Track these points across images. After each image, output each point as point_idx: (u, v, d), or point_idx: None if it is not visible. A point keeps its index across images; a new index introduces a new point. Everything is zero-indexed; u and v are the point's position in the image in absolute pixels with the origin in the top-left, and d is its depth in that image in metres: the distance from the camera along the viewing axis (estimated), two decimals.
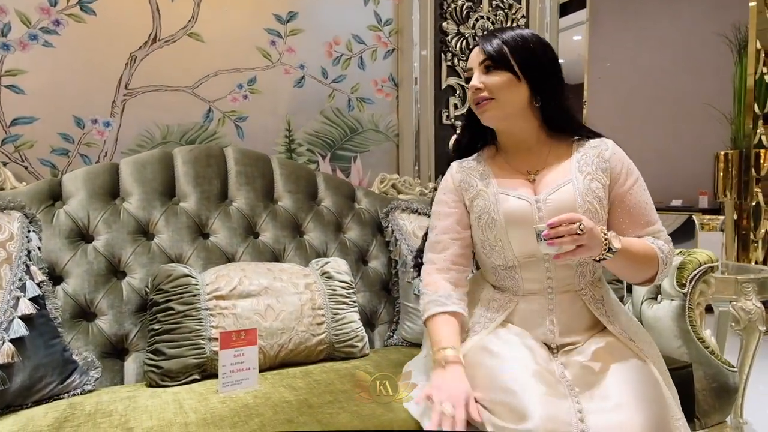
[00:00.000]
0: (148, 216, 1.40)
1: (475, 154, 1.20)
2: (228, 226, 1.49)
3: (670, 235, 1.15)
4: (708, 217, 2.00)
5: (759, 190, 3.34)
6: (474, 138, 1.21)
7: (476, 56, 1.09)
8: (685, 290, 1.41)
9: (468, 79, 1.11)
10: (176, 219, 1.43)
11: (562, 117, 1.12)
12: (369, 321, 1.62)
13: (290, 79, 1.84)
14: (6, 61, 1.46)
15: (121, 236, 1.35)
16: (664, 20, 4.81)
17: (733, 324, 1.71)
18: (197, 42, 1.69)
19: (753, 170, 3.35)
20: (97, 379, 1.18)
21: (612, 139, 1.15)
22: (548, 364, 1.01)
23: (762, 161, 3.40)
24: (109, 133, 1.59)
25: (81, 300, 1.27)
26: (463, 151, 1.22)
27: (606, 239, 0.95)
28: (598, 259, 0.96)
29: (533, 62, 1.07)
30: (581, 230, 0.89)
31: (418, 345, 1.52)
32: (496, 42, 1.06)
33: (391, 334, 1.61)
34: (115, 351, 1.29)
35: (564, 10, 6.19)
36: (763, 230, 3.37)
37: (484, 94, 1.07)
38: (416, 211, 1.68)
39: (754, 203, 3.33)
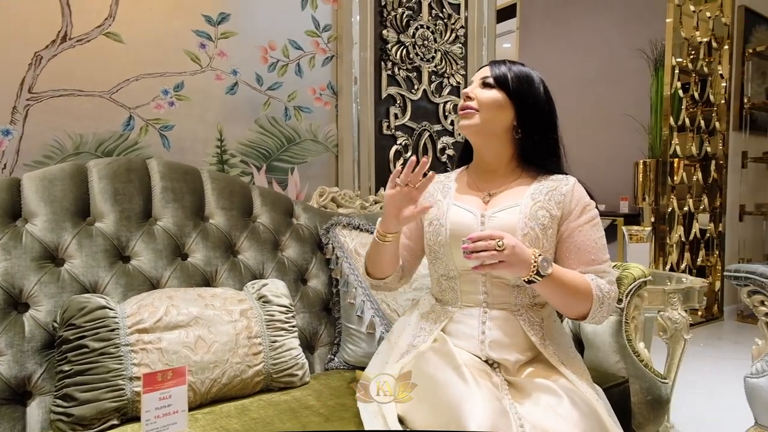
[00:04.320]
0: (57, 239, 1.24)
1: (451, 172, 1.26)
2: (152, 248, 1.35)
3: None
4: (635, 228, 2.09)
5: (674, 196, 3.57)
6: (466, 152, 1.25)
7: (481, 72, 1.16)
8: (622, 305, 1.44)
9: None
10: (91, 242, 1.27)
11: (537, 156, 1.15)
12: (309, 344, 1.54)
13: (222, 86, 1.72)
14: None
15: (23, 263, 1.18)
16: (588, 33, 5.05)
17: (661, 333, 1.79)
18: (115, 42, 1.53)
19: (669, 178, 3.58)
20: None
21: None
22: (490, 378, 1.02)
23: (676, 169, 3.64)
24: (8, 142, 1.40)
25: None
26: (459, 162, 1.30)
27: (535, 262, 0.97)
28: (526, 280, 0.99)
29: (528, 95, 1.13)
30: (499, 247, 0.94)
31: (361, 368, 1.46)
32: (503, 67, 1.14)
33: (333, 356, 1.54)
34: (15, 396, 1.12)
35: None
36: (677, 235, 3.61)
37: (472, 104, 1.12)
38: (358, 227, 1.62)
39: (669, 209, 3.56)
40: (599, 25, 4.95)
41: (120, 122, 1.55)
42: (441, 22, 2.21)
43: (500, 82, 1.12)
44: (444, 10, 2.22)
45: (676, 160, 3.58)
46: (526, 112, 1.13)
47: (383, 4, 2.04)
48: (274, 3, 1.81)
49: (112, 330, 1.12)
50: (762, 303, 1.53)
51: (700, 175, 3.73)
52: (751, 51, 3.88)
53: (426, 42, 2.17)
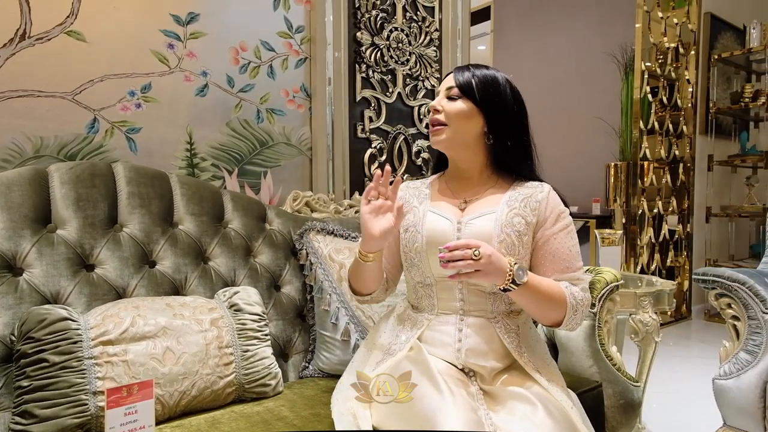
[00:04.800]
0: (14, 248, 1.18)
1: (427, 178, 1.25)
2: (118, 256, 1.30)
3: None
4: (608, 231, 2.12)
5: (644, 198, 3.65)
6: (442, 158, 1.24)
7: (446, 82, 1.14)
8: (595, 310, 1.46)
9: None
10: (52, 250, 1.22)
11: (511, 160, 1.14)
12: (282, 351, 1.51)
13: (191, 87, 1.67)
14: None
15: None
16: (561, 36, 5.13)
17: (632, 335, 1.82)
18: (78, 42, 1.47)
19: (639, 180, 3.66)
20: None
21: None
22: (466, 388, 1.01)
23: (646, 172, 3.72)
24: None
25: None
26: (434, 169, 1.28)
27: (511, 271, 0.98)
28: (502, 288, 0.99)
29: (496, 100, 1.11)
30: (476, 256, 0.94)
31: (335, 376, 1.44)
32: (467, 74, 1.12)
33: (307, 364, 1.52)
34: None
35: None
36: (647, 236, 3.69)
37: (440, 117, 1.12)
38: (332, 233, 1.60)
39: (640, 211, 3.64)
40: (572, 30, 5.03)
41: (84, 124, 1.49)
42: (415, 24, 2.20)
43: (466, 91, 1.10)
44: (418, 12, 2.21)
45: (645, 162, 3.66)
46: (496, 117, 1.11)
47: (357, 6, 2.02)
48: (245, 3, 1.77)
49: (75, 342, 1.07)
50: (729, 306, 1.56)
51: (668, 177, 3.82)
52: (716, 57, 3.99)
53: (400, 45, 2.15)
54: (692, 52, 3.89)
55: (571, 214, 1.15)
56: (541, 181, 1.16)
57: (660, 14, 3.66)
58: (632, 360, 1.90)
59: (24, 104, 1.40)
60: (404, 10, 2.16)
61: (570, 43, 5.01)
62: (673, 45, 3.80)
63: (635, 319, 1.78)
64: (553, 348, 1.56)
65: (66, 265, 1.23)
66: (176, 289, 1.38)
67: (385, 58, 2.11)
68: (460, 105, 1.11)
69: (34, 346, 1.05)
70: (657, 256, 3.76)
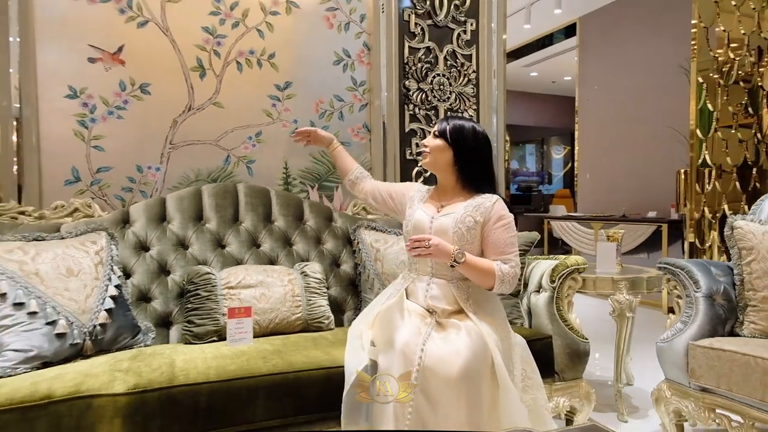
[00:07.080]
0: (184, 234, 2.08)
1: (431, 186, 1.90)
2: (238, 240, 2.15)
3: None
4: (612, 230, 2.55)
5: (705, 203, 3.80)
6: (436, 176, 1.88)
7: (434, 128, 1.79)
8: (554, 285, 1.99)
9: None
10: (203, 236, 2.10)
11: (471, 181, 1.75)
12: (340, 308, 2.25)
13: (287, 131, 2.51)
14: (93, 129, 2.18)
15: (167, 248, 2.03)
16: (637, 49, 5.29)
17: (610, 312, 2.26)
18: (219, 108, 2.37)
19: (707, 186, 3.82)
20: (153, 338, 1.86)
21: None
22: (423, 318, 1.63)
23: (715, 178, 3.86)
24: (159, 175, 2.29)
25: (142, 289, 1.96)
26: (432, 181, 1.89)
27: (453, 254, 1.58)
28: (450, 264, 1.60)
29: (461, 141, 1.74)
30: (427, 246, 1.56)
31: None
32: (445, 123, 1.76)
33: (355, 318, 2.24)
34: (164, 323, 1.96)
35: (567, 33, 6.73)
36: (710, 240, 3.83)
37: (426, 150, 1.79)
38: (375, 229, 2.31)
39: (709, 215, 3.80)
40: (649, 44, 5.18)
41: (221, 159, 2.39)
42: (455, 69, 2.84)
43: (442, 134, 1.75)
44: (457, 60, 2.84)
45: (714, 168, 3.81)
46: (460, 152, 1.73)
47: (405, 61, 2.72)
48: (323, 71, 2.57)
49: (214, 286, 1.92)
50: (675, 287, 1.98)
51: (738, 183, 3.91)
52: None
53: (442, 87, 2.80)
54: (766, 59, 3.93)
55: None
56: (494, 194, 1.74)
57: (722, 27, 3.81)
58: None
59: (190, 149, 2.33)
60: (445, 59, 2.81)
61: (646, 56, 5.17)
62: (740, 54, 3.90)
63: (612, 299, 2.23)
64: (529, 314, 2.10)
65: (210, 245, 2.10)
66: (272, 262, 2.19)
67: (429, 98, 2.77)
68: (438, 142, 1.75)
69: (194, 287, 1.91)
70: (723, 258, 3.87)
